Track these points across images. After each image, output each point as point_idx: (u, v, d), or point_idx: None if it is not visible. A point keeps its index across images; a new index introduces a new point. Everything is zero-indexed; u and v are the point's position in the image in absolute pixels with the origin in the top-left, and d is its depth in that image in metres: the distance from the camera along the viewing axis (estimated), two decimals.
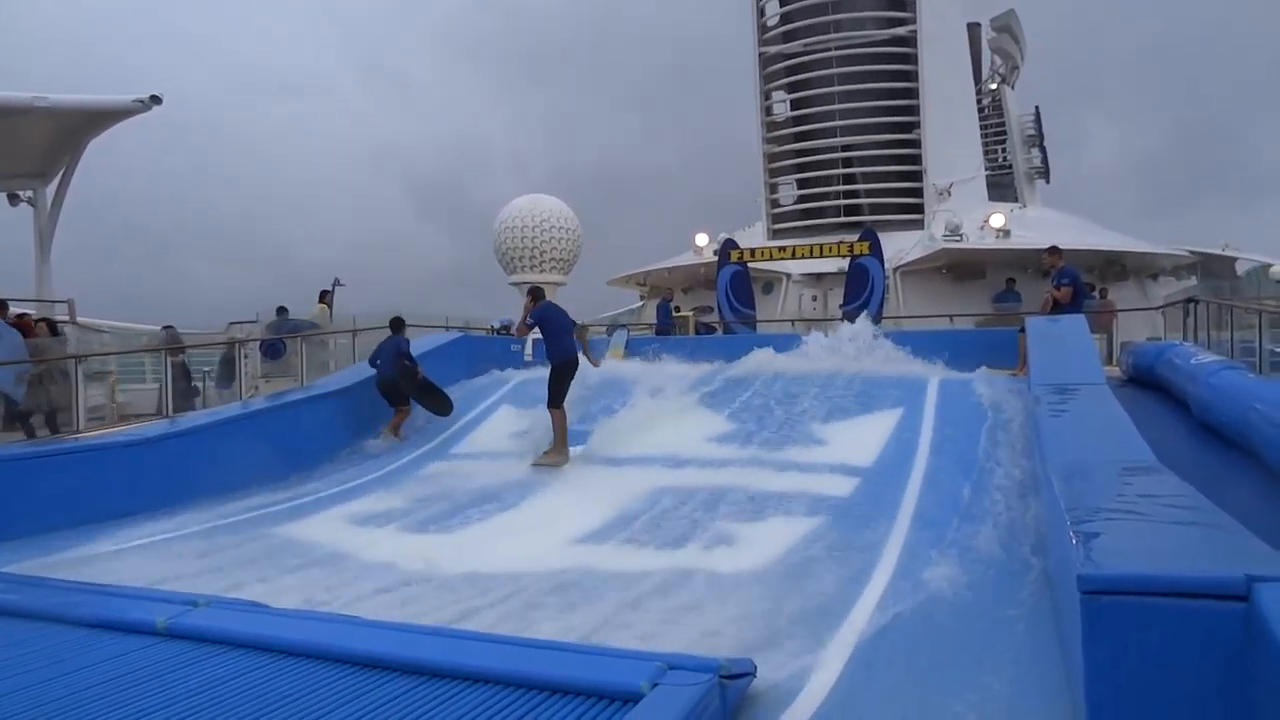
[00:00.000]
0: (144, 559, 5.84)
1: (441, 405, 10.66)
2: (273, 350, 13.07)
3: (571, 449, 8.76)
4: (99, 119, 12.96)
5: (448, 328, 14.89)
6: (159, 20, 78.10)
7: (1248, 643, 2.31)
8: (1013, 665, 3.51)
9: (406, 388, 10.41)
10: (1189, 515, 3.35)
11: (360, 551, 5.96)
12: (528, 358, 14.07)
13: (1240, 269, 24.48)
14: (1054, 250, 11.05)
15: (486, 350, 13.12)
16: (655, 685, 2.75)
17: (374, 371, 10.43)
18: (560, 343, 8.97)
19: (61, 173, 13.32)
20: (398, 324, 10.95)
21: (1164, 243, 23.56)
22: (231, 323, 14.21)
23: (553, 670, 2.95)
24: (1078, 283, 10.71)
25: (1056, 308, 10.42)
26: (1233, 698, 2.34)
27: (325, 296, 15.64)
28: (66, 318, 13.37)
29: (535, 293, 9.46)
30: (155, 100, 12.72)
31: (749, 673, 3.24)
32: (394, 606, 4.62)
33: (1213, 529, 3.12)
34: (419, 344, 12.30)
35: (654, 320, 19.28)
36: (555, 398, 8.80)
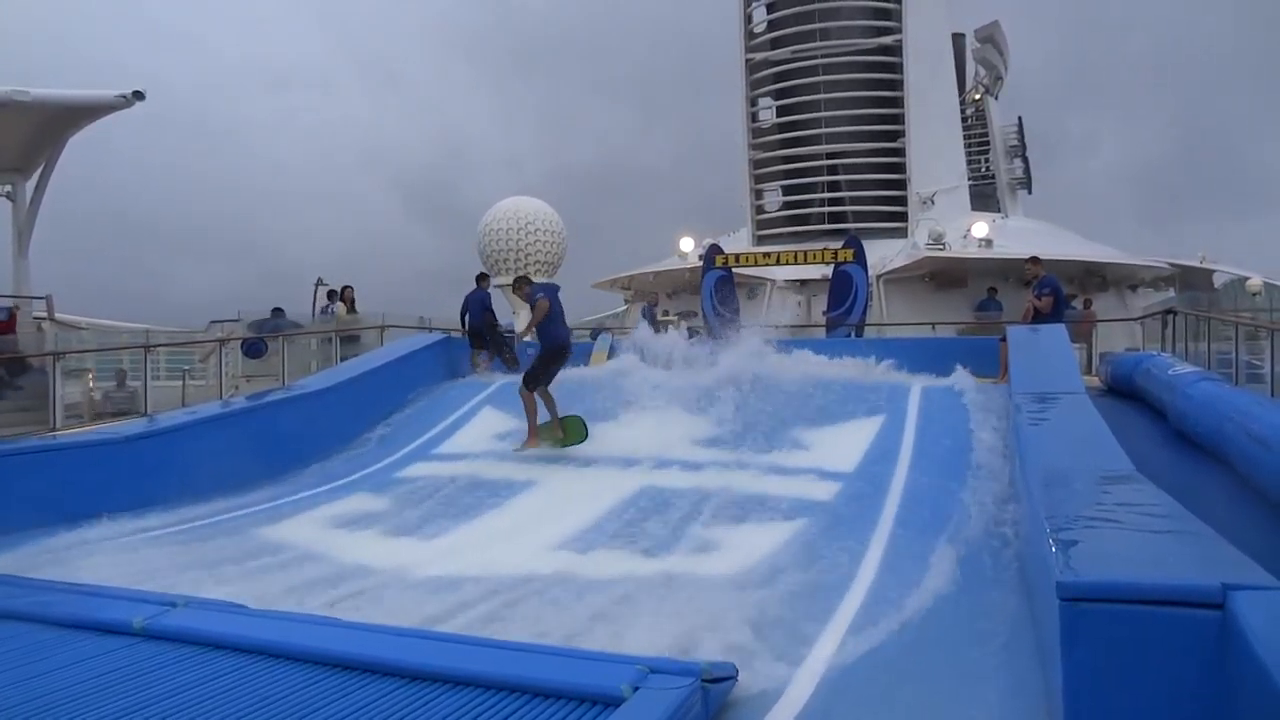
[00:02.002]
0: (120, 558, 5.77)
1: (508, 360, 12.53)
2: (253, 349, 12.96)
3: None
4: (81, 114, 12.82)
5: (430, 329, 14.82)
6: (141, 12, 77.25)
7: (1223, 649, 2.34)
8: (993, 671, 3.53)
9: (487, 334, 12.63)
10: (1166, 524, 3.39)
11: (340, 553, 5.93)
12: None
13: (1218, 281, 24.80)
14: (1035, 260, 11.18)
15: (468, 352, 13.05)
16: (637, 689, 2.76)
17: (352, 375, 10.63)
18: (557, 327, 9.04)
19: (42, 168, 13.17)
20: (483, 278, 13.14)
21: (1160, 254, 23.86)
22: (213, 321, 14.09)
23: (534, 673, 2.95)
24: (1059, 292, 10.83)
25: (1038, 317, 10.53)
26: (1209, 704, 2.37)
27: (345, 292, 15.54)
28: (45, 314, 13.23)
29: (524, 279, 9.70)
30: (138, 96, 12.59)
31: (731, 676, 3.24)
32: (374, 608, 4.59)
33: (1189, 537, 3.16)
34: (403, 344, 12.28)
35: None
36: (530, 380, 8.84)
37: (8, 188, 13.05)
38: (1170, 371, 7.95)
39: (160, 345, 12.11)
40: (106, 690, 2.98)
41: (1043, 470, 4.65)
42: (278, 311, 14.54)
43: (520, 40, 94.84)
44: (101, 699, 2.91)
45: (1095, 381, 10.78)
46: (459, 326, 13.10)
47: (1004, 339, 10.06)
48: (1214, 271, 25.27)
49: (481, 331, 12.64)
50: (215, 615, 3.74)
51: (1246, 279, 22.15)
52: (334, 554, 5.91)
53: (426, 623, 4.27)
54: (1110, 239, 24.42)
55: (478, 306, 12.68)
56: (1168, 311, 11.63)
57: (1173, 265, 23.83)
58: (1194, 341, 10.26)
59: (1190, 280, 24.14)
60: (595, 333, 16.56)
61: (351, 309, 15.17)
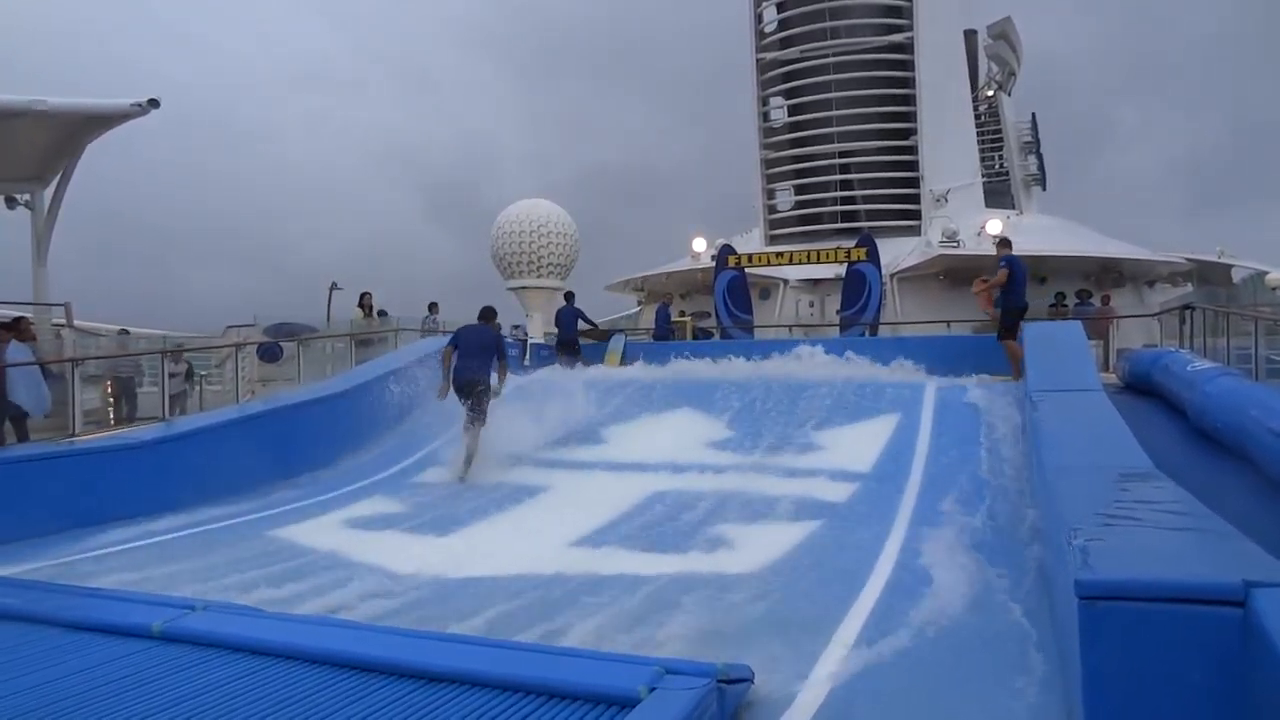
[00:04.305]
0: (138, 562, 5.82)
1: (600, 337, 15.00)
2: (269, 353, 13.06)
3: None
4: (97, 123, 12.92)
5: (444, 332, 14.95)
6: (159, 13, 77.90)
7: (1245, 648, 2.31)
8: (1012, 670, 3.50)
9: (588, 336, 14.77)
10: (1186, 521, 3.35)
11: (357, 555, 5.95)
12: (525, 363, 14.14)
13: (1236, 276, 24.55)
14: (1003, 242, 10.68)
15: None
16: (653, 690, 2.75)
17: (368, 379, 10.60)
18: (461, 361, 9.01)
19: (59, 176, 13.30)
20: (570, 296, 15.26)
21: (1183, 251, 23.66)
22: (229, 326, 14.22)
23: (549, 674, 2.95)
24: (1014, 266, 10.22)
25: (1004, 298, 10.05)
26: (1230, 703, 2.34)
27: (364, 298, 15.76)
28: (64, 321, 13.36)
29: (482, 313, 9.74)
30: (153, 104, 12.68)
31: (747, 679, 3.23)
32: (390, 611, 4.61)
33: (1210, 534, 3.13)
34: (418, 348, 12.34)
35: (652, 325, 19.30)
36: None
37: (26, 197, 13.17)
38: (1189, 367, 7.87)
39: (177, 350, 12.22)
40: (126, 693, 3.00)
41: (1060, 468, 4.61)
42: (383, 314, 15.54)
43: (538, 45, 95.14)
44: (121, 701, 2.93)
45: (1112, 378, 10.70)
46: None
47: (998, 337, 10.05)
48: (1232, 266, 25.03)
49: (574, 340, 14.33)
50: (234, 618, 3.76)
51: (1265, 273, 21.92)
52: (351, 557, 5.94)
53: (443, 624, 4.28)
54: (1134, 234, 24.21)
55: (570, 318, 14.37)
56: (1186, 307, 11.52)
57: (1190, 260, 23.63)
58: (1213, 337, 10.15)
59: (1208, 275, 23.92)
60: (609, 334, 16.61)
61: (369, 313, 15.33)
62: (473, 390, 8.90)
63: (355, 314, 15.61)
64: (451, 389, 9.00)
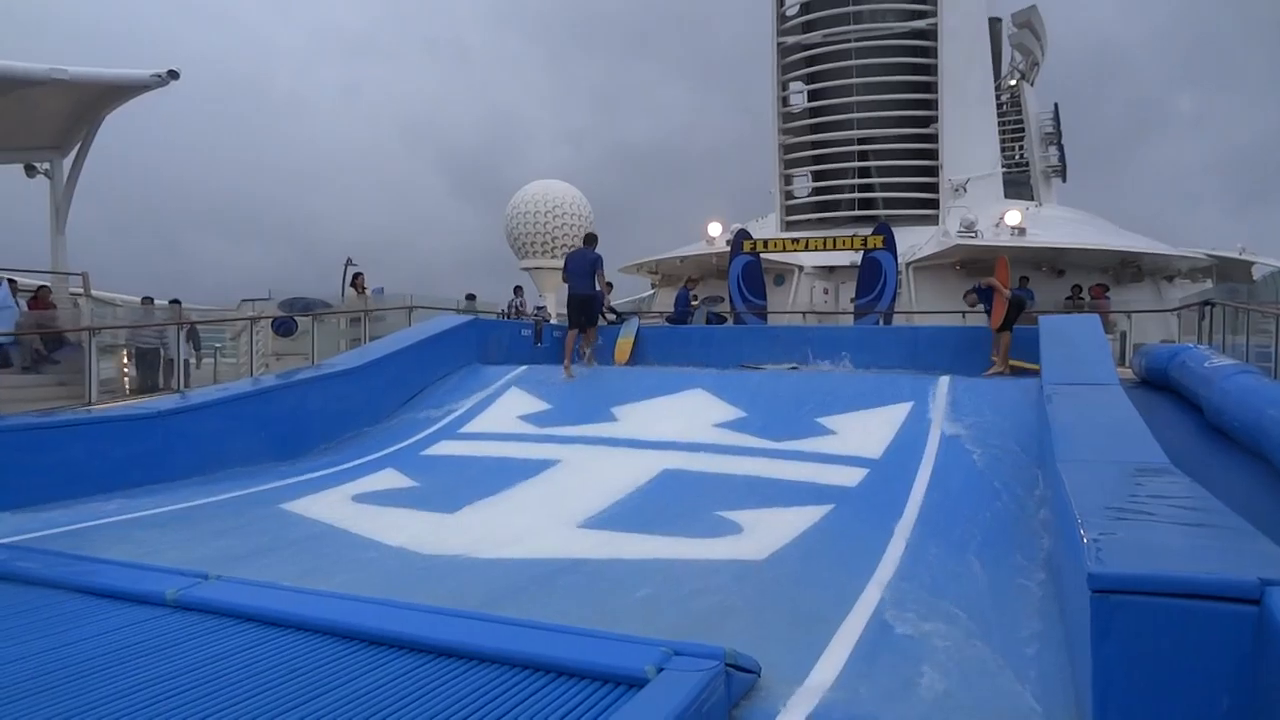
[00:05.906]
0: (152, 532, 5.87)
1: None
2: (284, 327, 13.12)
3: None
4: (116, 93, 12.96)
5: (459, 310, 14.98)
6: None
7: (1259, 646, 2.30)
8: (1021, 663, 3.49)
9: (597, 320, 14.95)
10: (1201, 517, 3.33)
11: (365, 530, 5.98)
12: (539, 345, 14.11)
13: (1257, 273, 24.30)
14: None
15: (496, 335, 13.13)
16: (661, 670, 2.76)
17: (381, 355, 10.79)
18: (571, 280, 11.10)
19: (78, 146, 13.36)
20: (609, 286, 15.25)
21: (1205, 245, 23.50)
22: (244, 299, 14.28)
23: (558, 652, 2.96)
24: (979, 293, 11.25)
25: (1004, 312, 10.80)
26: (1242, 700, 2.33)
27: (357, 279, 15.91)
28: (81, 290, 13.45)
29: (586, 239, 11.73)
30: (173, 75, 12.70)
31: (753, 670, 3.23)
32: (398, 585, 4.63)
33: (1225, 531, 3.11)
34: (431, 325, 12.38)
35: (667, 309, 19.25)
36: (570, 323, 11.27)
37: (45, 165, 13.24)
38: (1207, 364, 7.80)
39: (193, 322, 12.30)
40: (140, 658, 3.04)
41: (1075, 461, 4.59)
42: (470, 298, 16.17)
43: (567, 21, 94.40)
44: (135, 667, 2.97)
45: (1128, 373, 10.62)
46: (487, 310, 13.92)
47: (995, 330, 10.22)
48: (1253, 263, 24.78)
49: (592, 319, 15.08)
50: (246, 588, 3.79)
51: None
52: (361, 531, 5.97)
53: (450, 599, 4.30)
54: (1172, 230, 24.06)
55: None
56: (1205, 303, 11.42)
57: (1210, 256, 23.39)
58: (1232, 334, 10.07)
59: (1228, 272, 23.69)
60: (622, 317, 16.55)
61: (362, 293, 15.53)
62: (584, 303, 11.05)
63: (349, 295, 15.75)
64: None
